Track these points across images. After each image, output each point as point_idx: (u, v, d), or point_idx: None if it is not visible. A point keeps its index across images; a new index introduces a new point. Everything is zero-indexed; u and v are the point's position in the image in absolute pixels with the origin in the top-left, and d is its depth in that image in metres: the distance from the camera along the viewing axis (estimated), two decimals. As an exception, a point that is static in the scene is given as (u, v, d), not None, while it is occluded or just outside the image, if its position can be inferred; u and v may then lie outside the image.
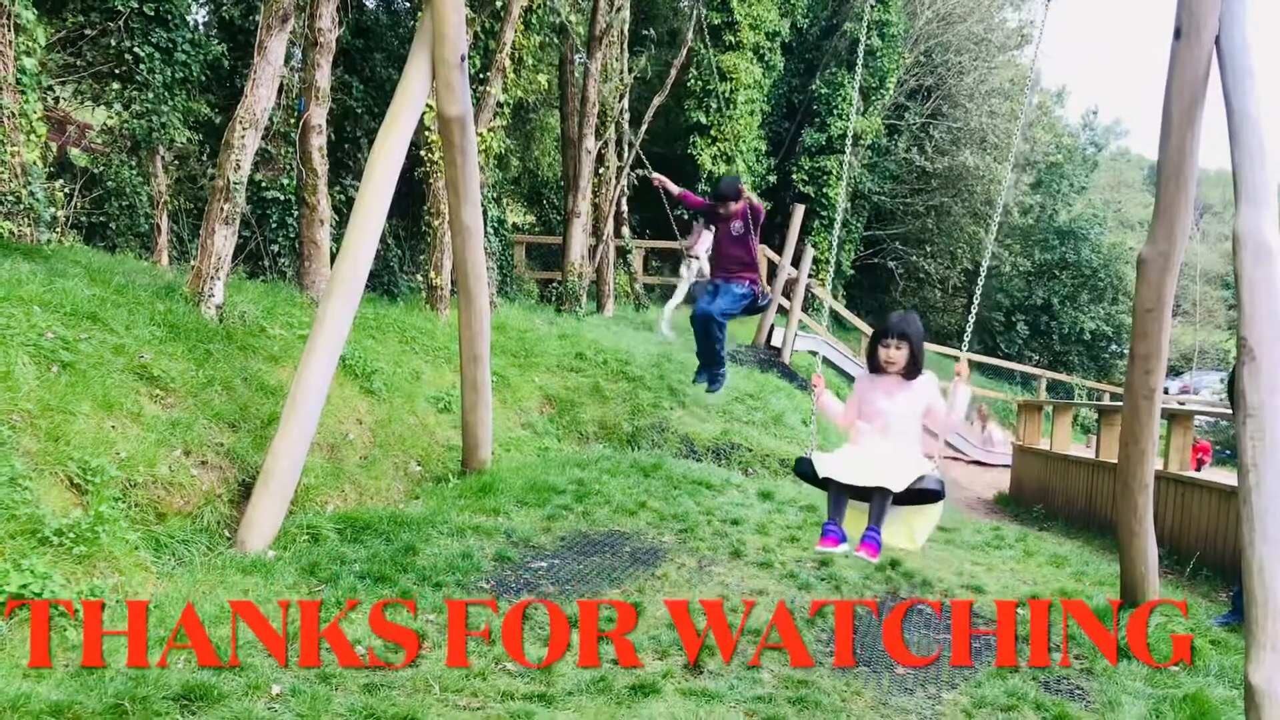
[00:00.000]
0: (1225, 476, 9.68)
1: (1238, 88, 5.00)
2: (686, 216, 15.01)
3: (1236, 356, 4.79)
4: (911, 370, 4.86)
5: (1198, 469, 13.93)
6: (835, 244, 10.59)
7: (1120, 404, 6.34)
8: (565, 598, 5.49)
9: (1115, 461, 6.67)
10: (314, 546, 5.83)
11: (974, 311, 5.49)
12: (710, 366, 7.75)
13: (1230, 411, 5.61)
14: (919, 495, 4.64)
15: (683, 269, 16.43)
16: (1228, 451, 18.57)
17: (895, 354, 4.83)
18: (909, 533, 4.87)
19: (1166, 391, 16.37)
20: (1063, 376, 26.19)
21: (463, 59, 6.52)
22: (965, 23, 26.04)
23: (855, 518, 4.74)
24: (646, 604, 5.47)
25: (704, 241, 16.59)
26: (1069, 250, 28.93)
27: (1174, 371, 27.30)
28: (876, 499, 4.62)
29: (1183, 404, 20.67)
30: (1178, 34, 5.14)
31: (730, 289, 7.35)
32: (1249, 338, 4.68)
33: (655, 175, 7.87)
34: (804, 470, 4.88)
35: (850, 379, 18.96)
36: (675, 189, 7.80)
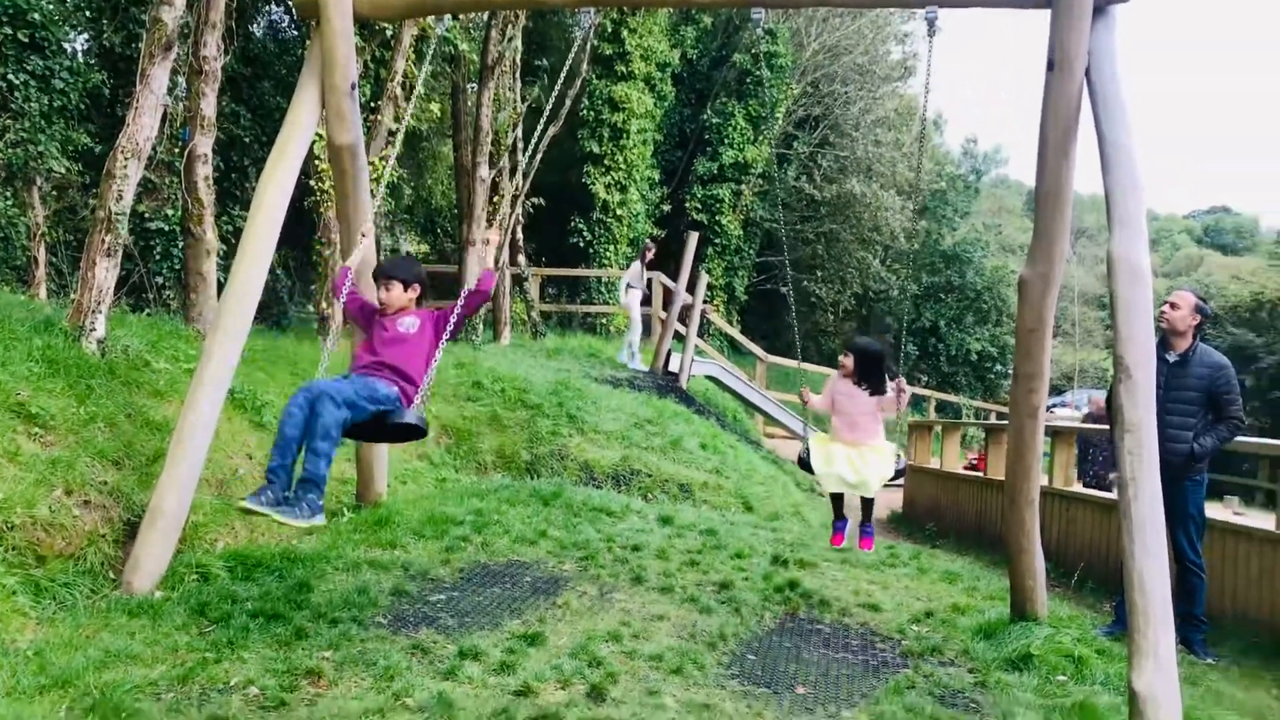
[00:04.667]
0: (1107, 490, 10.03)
1: (1108, 118, 5.24)
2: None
3: (1114, 375, 4.98)
4: (865, 379, 6.65)
5: (982, 469, 14.45)
6: (785, 270, 10.71)
7: (1006, 422, 6.56)
8: (465, 630, 5.42)
9: (1002, 479, 6.88)
10: (204, 586, 5.66)
11: (904, 346, 6.25)
12: (300, 483, 4.91)
13: (1107, 427, 5.84)
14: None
15: (625, 298, 16.61)
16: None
17: (845, 360, 6.80)
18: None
19: (1050, 409, 16.92)
20: (951, 396, 26.89)
21: (353, 87, 6.45)
22: (850, 55, 26.71)
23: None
24: (548, 633, 5.43)
25: (634, 272, 16.71)
26: (954, 274, 29.79)
27: (1056, 390, 28.24)
28: (866, 502, 6.76)
29: (1051, 413, 21.36)
30: (1050, 67, 5.36)
31: (371, 383, 5.14)
32: (1125, 356, 4.88)
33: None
34: (804, 466, 6.68)
35: (745, 401, 19.21)
36: (347, 286, 5.73)
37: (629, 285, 16.77)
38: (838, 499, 7.03)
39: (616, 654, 5.22)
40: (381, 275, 5.68)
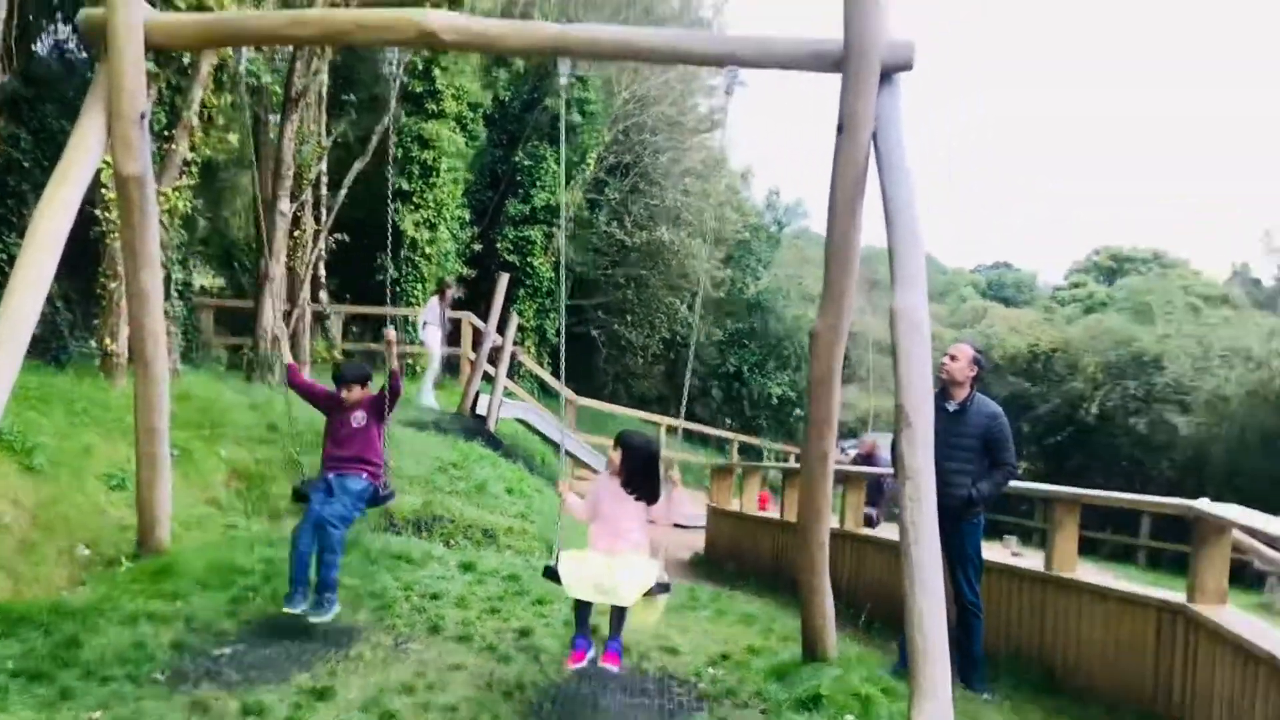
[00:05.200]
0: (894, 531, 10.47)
1: (892, 180, 5.54)
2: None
3: (895, 424, 5.23)
4: (634, 483, 5.59)
5: (764, 508, 15.18)
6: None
7: (869, 470, 6.77)
8: (250, 685, 5.18)
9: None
10: (-43, 644, 5.23)
11: (686, 384, 6.51)
12: (318, 589, 6.20)
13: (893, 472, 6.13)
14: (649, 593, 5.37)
15: (423, 334, 16.43)
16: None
17: (613, 456, 5.67)
18: (642, 620, 5.72)
19: (844, 452, 17.60)
20: (753, 440, 27.63)
21: (143, 116, 6.18)
22: (660, 105, 27.35)
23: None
24: (338, 687, 5.26)
25: (431, 310, 16.49)
26: (757, 321, 30.75)
27: (851, 433, 29.40)
28: (615, 613, 5.48)
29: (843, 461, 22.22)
30: (840, 129, 5.61)
31: (345, 484, 6.46)
32: (905, 405, 5.13)
33: (389, 331, 6.78)
34: (551, 577, 5.45)
35: (555, 445, 19.16)
36: (301, 379, 7.15)
37: (425, 322, 16.67)
38: (583, 611, 5.59)
39: (410, 706, 5.10)
40: (344, 380, 6.79)
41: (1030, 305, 49.06)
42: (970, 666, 6.97)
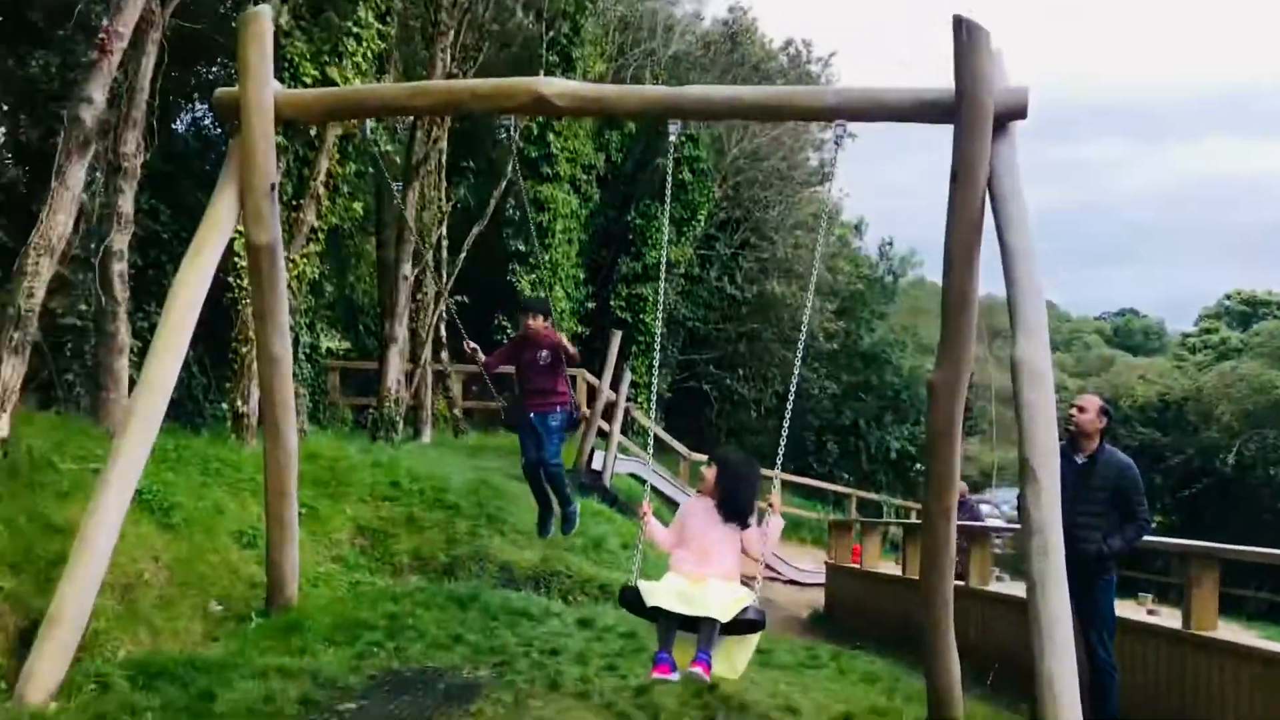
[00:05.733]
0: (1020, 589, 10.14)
1: (1009, 227, 5.45)
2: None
3: (1019, 476, 5.10)
4: (728, 505, 5.21)
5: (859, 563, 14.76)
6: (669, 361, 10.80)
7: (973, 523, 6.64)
8: (375, 740, 5.27)
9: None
10: (102, 696, 5.44)
11: (784, 434, 5.78)
12: (558, 508, 8.01)
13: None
14: (741, 624, 4.91)
15: None
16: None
17: (707, 474, 5.37)
18: (730, 663, 5.18)
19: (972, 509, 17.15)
20: (871, 495, 27.13)
21: (273, 187, 6.47)
22: (770, 160, 27.44)
23: (682, 647, 4.99)
24: (461, 743, 5.31)
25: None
26: (873, 373, 30.32)
27: (975, 488, 28.70)
28: (704, 627, 4.87)
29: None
30: (954, 178, 5.56)
31: (547, 424, 7.46)
32: (1030, 459, 5.01)
33: (468, 343, 7.86)
34: (629, 599, 5.11)
35: (671, 503, 19.12)
36: (482, 357, 7.87)
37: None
38: (669, 628, 5.05)
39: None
40: (527, 309, 8.02)
41: (1160, 353, 47.42)
42: (1105, 729, 6.69)
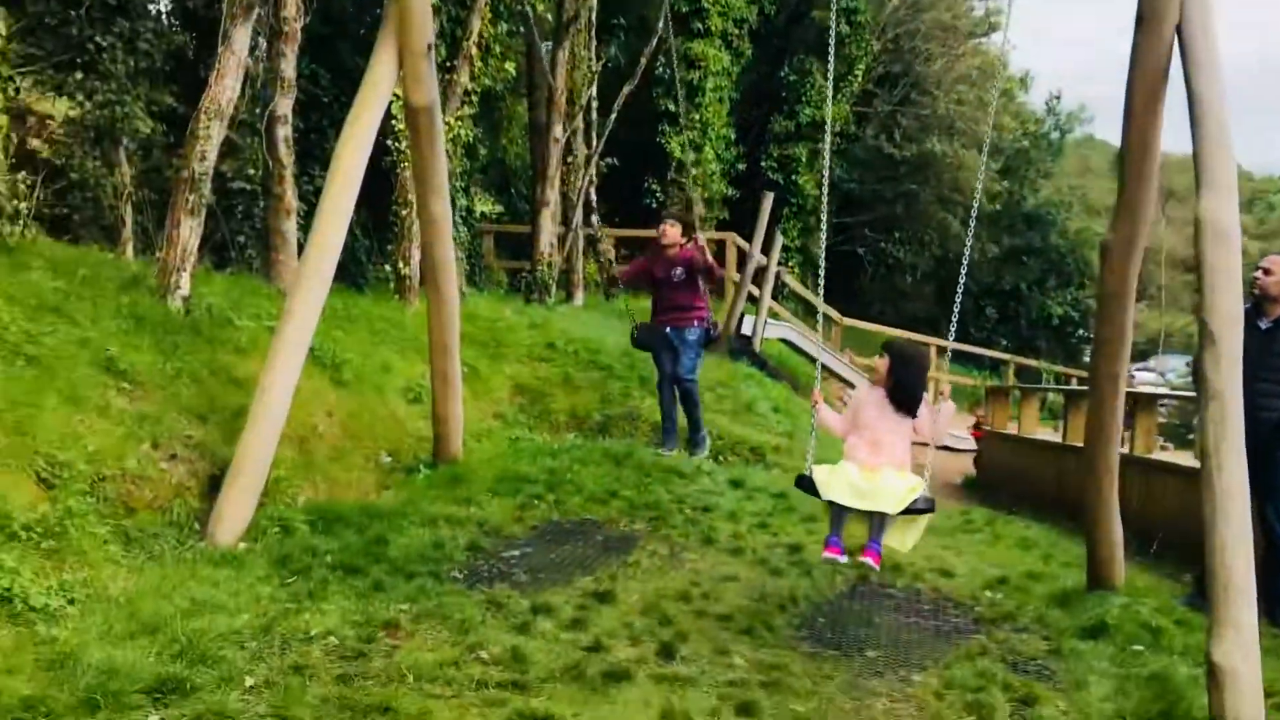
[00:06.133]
0: (1186, 459, 9.80)
1: (1198, 75, 5.05)
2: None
3: (1198, 341, 4.85)
4: (899, 395, 5.30)
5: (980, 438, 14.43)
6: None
7: (1086, 388, 6.42)
8: (538, 586, 5.50)
9: (1082, 445, 6.75)
10: (285, 539, 5.81)
11: (957, 305, 5.76)
12: (688, 431, 8.01)
13: (1193, 394, 5.70)
14: (912, 511, 5.06)
15: None
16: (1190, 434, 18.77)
17: (879, 364, 5.47)
18: (900, 538, 5.33)
19: (1132, 377, 16.58)
20: (1030, 361, 26.41)
21: (430, 48, 6.49)
22: (933, 10, 26.15)
23: (853, 523, 5.21)
24: (619, 591, 5.49)
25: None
26: (1036, 236, 29.15)
27: (1140, 355, 27.61)
28: (875, 517, 5.11)
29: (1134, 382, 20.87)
30: (1139, 22, 5.18)
31: (685, 339, 7.44)
32: (1210, 322, 4.73)
33: (618, 269, 8.03)
34: (805, 487, 5.26)
35: (837, 378, 18.96)
36: (620, 274, 8.04)
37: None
38: (837, 515, 5.26)
39: (686, 613, 5.26)
40: (663, 218, 7.99)
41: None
42: (1277, 603, 6.46)
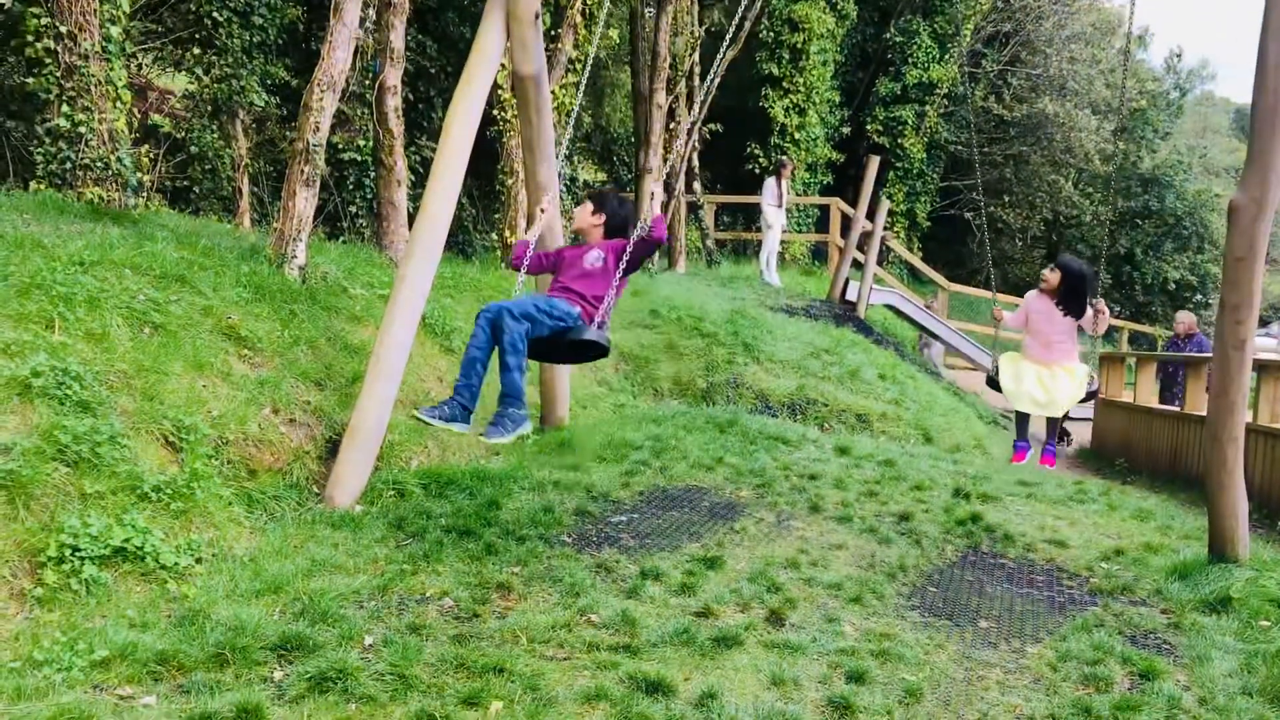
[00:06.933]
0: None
1: (1339, 26, 4.83)
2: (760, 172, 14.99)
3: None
4: (1066, 301, 6.69)
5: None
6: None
7: (1206, 355, 6.22)
8: (646, 551, 5.55)
9: (1201, 414, 6.54)
10: (400, 502, 5.96)
11: (1104, 258, 7.51)
12: (500, 399, 5.19)
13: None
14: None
15: (769, 217, 16.37)
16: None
17: (1049, 276, 6.76)
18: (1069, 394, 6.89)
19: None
20: (1146, 328, 25.57)
21: (536, 17, 6.52)
22: (1045, -35, 25.32)
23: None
24: (726, 557, 5.51)
25: (769, 190, 16.45)
26: (1152, 198, 28.13)
27: (1264, 321, 26.48)
28: (1050, 421, 6.98)
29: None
30: (1275, -29, 4.95)
31: (553, 302, 5.21)
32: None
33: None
34: (994, 386, 6.96)
35: (925, 331, 18.69)
36: (523, 257, 5.62)
37: (767, 203, 16.45)
38: (1023, 419, 7.24)
39: (795, 581, 5.25)
40: (585, 199, 5.79)
41: None
42: None
